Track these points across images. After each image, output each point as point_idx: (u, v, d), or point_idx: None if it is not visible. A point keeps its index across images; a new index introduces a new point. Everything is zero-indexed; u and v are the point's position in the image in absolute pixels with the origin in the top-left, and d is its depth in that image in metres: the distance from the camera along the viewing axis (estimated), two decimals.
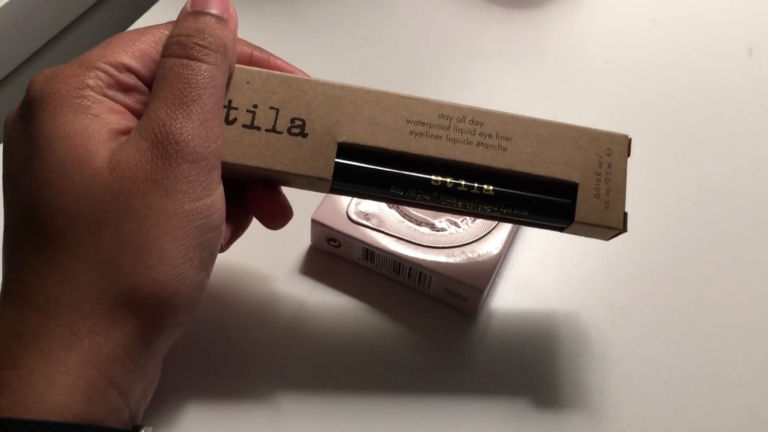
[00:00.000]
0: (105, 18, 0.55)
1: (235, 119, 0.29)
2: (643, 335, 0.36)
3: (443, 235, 0.36)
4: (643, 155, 0.44)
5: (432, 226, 0.36)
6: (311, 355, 0.35)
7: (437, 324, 0.36)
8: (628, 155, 0.31)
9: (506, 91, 0.47)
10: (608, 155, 0.30)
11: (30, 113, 0.26)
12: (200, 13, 0.27)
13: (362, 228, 0.36)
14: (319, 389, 0.34)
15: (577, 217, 0.30)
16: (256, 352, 0.35)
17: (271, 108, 0.29)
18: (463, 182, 0.29)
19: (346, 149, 0.29)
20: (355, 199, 0.37)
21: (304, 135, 0.29)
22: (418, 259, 0.35)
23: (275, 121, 0.29)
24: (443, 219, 0.36)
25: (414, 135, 0.29)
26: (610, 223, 0.30)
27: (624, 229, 0.30)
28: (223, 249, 0.31)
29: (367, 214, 0.36)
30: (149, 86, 0.28)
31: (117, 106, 0.27)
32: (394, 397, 0.34)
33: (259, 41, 0.50)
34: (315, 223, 0.37)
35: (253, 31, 0.50)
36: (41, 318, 0.25)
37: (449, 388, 0.34)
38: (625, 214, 0.30)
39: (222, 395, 0.34)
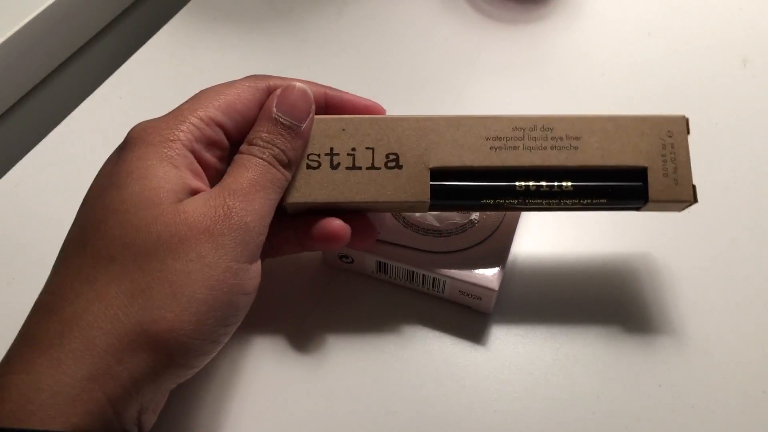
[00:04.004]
0: (111, 46, 0.56)
1: (338, 164, 0.33)
2: (645, 345, 0.37)
3: (451, 238, 0.37)
4: None
5: (439, 232, 0.37)
6: (330, 369, 0.36)
7: (455, 323, 0.38)
8: (688, 133, 0.34)
9: (505, 105, 0.48)
10: (670, 137, 0.34)
11: (122, 153, 0.30)
12: (280, 124, 0.32)
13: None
14: (343, 400, 0.35)
15: (651, 197, 0.33)
16: (274, 368, 0.36)
17: (367, 148, 0.33)
18: (544, 183, 0.33)
19: (437, 172, 0.33)
20: None
21: (399, 167, 0.33)
22: (430, 265, 0.36)
23: (373, 159, 0.33)
24: (449, 224, 0.37)
25: (494, 150, 0.33)
26: (681, 197, 0.33)
27: (695, 200, 0.33)
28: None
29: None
30: (230, 135, 0.32)
31: (196, 166, 0.31)
32: (420, 398, 0.35)
33: (263, 59, 0.52)
34: None
35: (257, 49, 0.52)
36: (62, 329, 0.26)
37: (469, 378, 0.36)
38: (694, 187, 0.33)
39: (237, 406, 0.35)
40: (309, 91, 0.33)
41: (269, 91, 0.33)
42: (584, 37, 0.53)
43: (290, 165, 0.32)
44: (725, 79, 0.50)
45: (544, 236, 0.41)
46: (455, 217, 0.38)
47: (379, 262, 0.37)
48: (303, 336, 0.37)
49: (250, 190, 0.30)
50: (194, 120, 0.31)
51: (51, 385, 0.25)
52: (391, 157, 0.33)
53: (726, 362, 0.36)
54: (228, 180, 0.30)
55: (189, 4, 0.54)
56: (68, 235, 0.29)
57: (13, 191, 0.43)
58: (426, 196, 0.33)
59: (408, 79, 0.50)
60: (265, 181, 0.31)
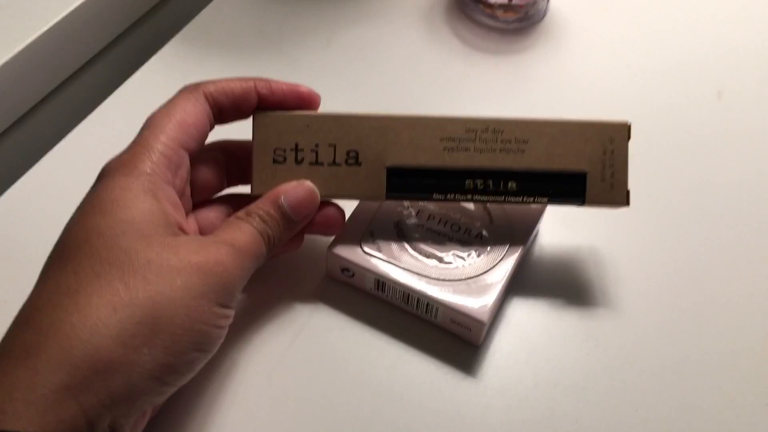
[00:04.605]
0: (104, 70, 0.57)
1: (302, 159, 0.35)
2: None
3: (450, 268, 0.38)
4: None
5: (440, 260, 0.38)
6: (323, 376, 0.37)
7: (444, 352, 0.38)
8: (629, 139, 0.36)
9: None
10: (611, 143, 0.35)
11: (102, 183, 0.31)
12: (282, 212, 0.34)
13: (374, 260, 0.38)
14: (330, 413, 0.36)
15: (587, 200, 0.36)
16: (270, 374, 0.37)
17: (329, 145, 0.35)
18: (491, 182, 0.36)
19: (393, 170, 0.36)
20: (369, 233, 0.39)
21: (358, 164, 0.36)
22: (425, 290, 0.37)
23: (334, 156, 0.35)
24: (450, 253, 0.38)
25: (447, 150, 0.36)
26: (615, 201, 0.36)
27: (627, 204, 0.36)
28: (274, 255, 0.36)
29: (379, 247, 0.38)
30: (192, 152, 0.34)
31: (175, 198, 0.32)
32: (403, 419, 0.36)
33: None
34: (331, 254, 0.39)
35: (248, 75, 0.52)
36: (39, 339, 0.26)
37: (453, 411, 0.36)
38: (628, 192, 0.36)
39: (228, 415, 0.35)
40: (318, 196, 0.35)
41: (206, 97, 0.34)
42: (565, 67, 0.54)
43: (272, 249, 0.34)
44: (701, 111, 0.51)
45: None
46: (458, 248, 0.38)
47: (378, 280, 0.38)
48: (298, 346, 0.38)
49: (244, 251, 0.32)
50: (160, 148, 0.32)
51: (25, 395, 0.25)
52: (352, 154, 0.35)
53: (707, 385, 0.37)
54: (223, 235, 0.32)
55: (180, 33, 0.55)
56: (48, 258, 0.30)
57: (15, 207, 0.44)
58: (382, 191, 0.36)
59: (394, 106, 0.50)
60: (255, 250, 0.33)
